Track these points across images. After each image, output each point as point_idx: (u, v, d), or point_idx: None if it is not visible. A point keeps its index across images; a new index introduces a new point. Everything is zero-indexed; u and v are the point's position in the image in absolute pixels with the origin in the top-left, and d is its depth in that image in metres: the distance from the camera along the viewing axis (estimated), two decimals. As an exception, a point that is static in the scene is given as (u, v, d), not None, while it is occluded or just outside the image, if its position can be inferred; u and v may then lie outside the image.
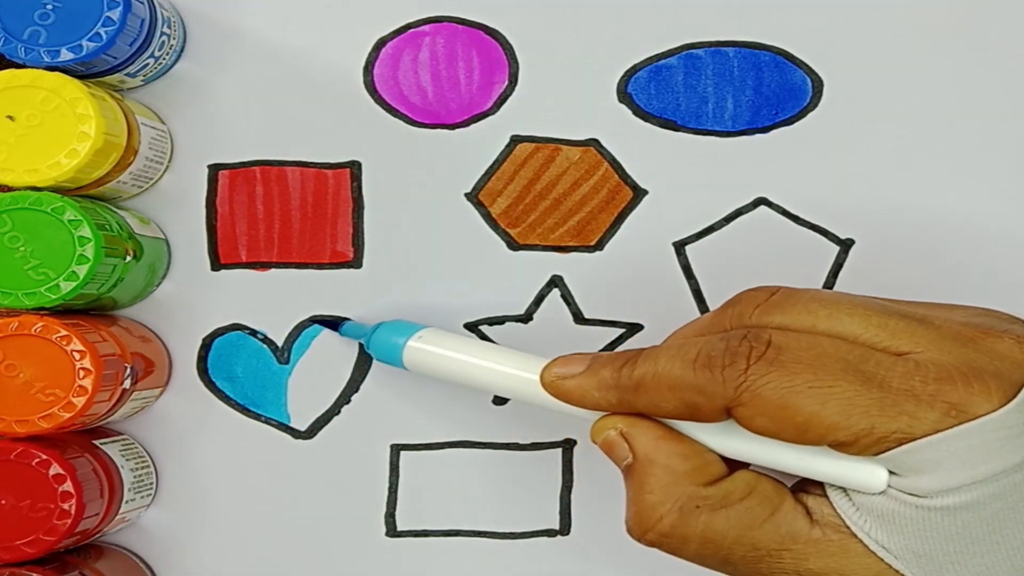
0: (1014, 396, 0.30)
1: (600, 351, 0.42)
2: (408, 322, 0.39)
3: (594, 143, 0.42)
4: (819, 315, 0.32)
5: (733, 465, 0.33)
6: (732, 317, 0.33)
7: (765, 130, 0.42)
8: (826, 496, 0.32)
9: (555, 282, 0.42)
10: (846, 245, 0.42)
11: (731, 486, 0.32)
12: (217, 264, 0.42)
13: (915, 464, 0.30)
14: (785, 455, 0.32)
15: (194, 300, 0.42)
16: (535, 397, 0.35)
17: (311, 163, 0.42)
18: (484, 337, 0.42)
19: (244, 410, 0.42)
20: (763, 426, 0.31)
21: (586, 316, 0.42)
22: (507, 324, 0.42)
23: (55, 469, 0.37)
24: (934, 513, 0.30)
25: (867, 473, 0.31)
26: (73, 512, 0.37)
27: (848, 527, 0.31)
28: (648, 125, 0.42)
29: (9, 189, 0.37)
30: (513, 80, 0.42)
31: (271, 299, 0.42)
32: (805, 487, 0.33)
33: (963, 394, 0.29)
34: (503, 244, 0.42)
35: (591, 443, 0.42)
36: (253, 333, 0.42)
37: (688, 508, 0.32)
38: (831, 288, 0.42)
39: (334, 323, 0.42)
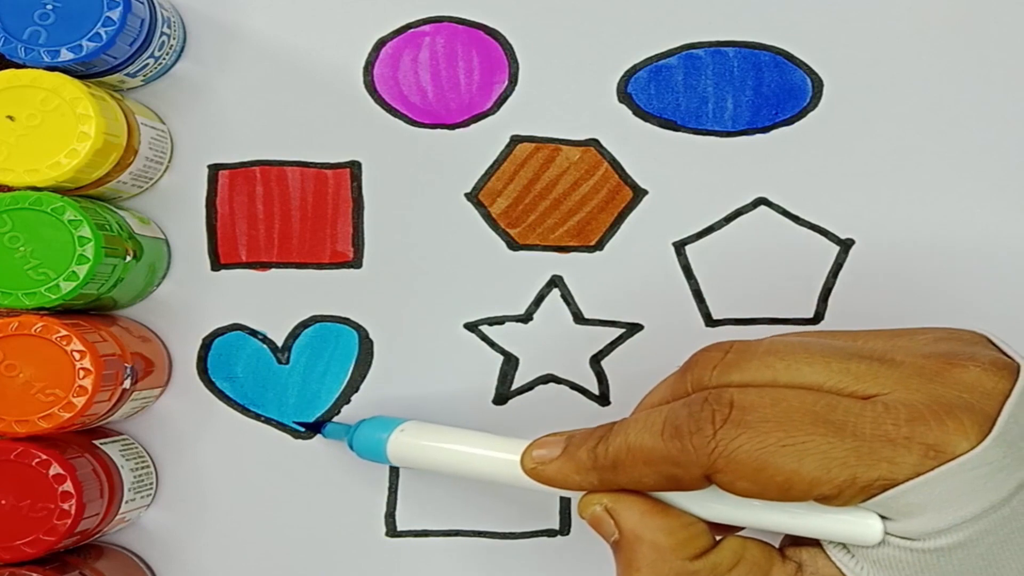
0: (990, 430, 0.29)
1: (601, 348, 0.42)
2: (387, 417, 0.40)
3: (594, 143, 0.42)
4: (778, 368, 0.31)
5: (721, 531, 0.33)
6: (691, 381, 0.33)
7: (765, 130, 0.42)
8: (820, 547, 0.32)
9: (555, 282, 0.42)
10: (846, 245, 0.42)
11: (718, 557, 0.32)
12: (217, 264, 0.42)
13: (902, 508, 0.29)
14: (776, 516, 0.31)
15: (194, 300, 0.42)
16: (521, 482, 0.35)
17: (311, 163, 0.42)
18: (484, 338, 0.42)
19: (244, 410, 0.42)
20: (745, 489, 0.30)
21: (586, 316, 0.42)
22: (507, 324, 0.42)
23: (55, 469, 0.37)
24: (929, 555, 0.30)
25: (862, 526, 0.30)
26: (73, 512, 0.37)
27: None
28: (648, 125, 0.42)
29: (9, 189, 0.37)
30: (513, 80, 0.42)
31: (271, 299, 0.42)
32: (796, 540, 0.32)
33: (938, 433, 0.29)
34: (503, 244, 0.42)
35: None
36: (253, 333, 0.42)
37: None
38: (831, 289, 0.42)
39: (314, 426, 0.42)
